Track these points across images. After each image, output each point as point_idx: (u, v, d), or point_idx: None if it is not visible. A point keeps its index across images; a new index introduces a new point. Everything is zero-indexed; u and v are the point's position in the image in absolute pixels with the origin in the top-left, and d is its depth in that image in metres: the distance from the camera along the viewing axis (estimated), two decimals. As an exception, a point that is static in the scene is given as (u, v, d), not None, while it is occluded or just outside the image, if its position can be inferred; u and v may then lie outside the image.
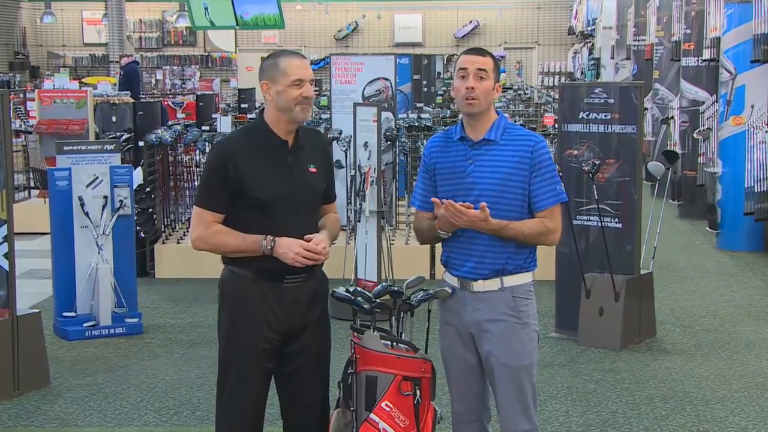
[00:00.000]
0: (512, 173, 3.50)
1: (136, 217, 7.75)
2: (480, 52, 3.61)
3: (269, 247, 3.48)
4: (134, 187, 7.53)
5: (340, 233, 4.11)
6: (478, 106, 3.54)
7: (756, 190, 9.80)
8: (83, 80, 19.92)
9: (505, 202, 3.50)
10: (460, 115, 3.70)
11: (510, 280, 3.55)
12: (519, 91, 18.09)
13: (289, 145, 3.58)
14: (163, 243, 8.90)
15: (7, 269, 5.53)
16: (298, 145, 3.60)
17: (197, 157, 9.16)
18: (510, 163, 3.51)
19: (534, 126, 11.10)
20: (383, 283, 4.04)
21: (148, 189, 8.71)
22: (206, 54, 25.91)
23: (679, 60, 12.46)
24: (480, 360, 3.63)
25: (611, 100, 6.64)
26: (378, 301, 3.78)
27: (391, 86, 8.77)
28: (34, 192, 11.85)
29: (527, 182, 3.52)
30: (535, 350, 3.61)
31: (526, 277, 3.59)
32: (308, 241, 3.50)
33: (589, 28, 22.07)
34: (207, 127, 9.87)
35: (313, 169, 3.61)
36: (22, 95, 14.17)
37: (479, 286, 3.56)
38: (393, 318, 3.77)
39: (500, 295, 3.55)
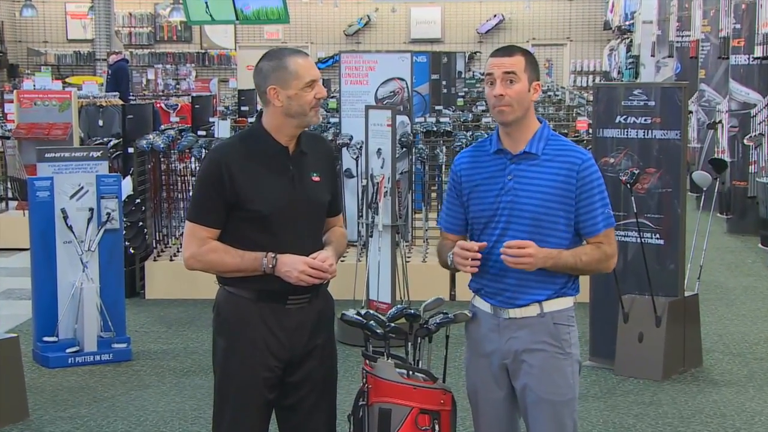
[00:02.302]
0: (554, 192, 3.47)
1: (124, 232, 7.78)
2: (508, 51, 3.53)
3: (270, 266, 3.48)
4: (123, 199, 7.56)
5: (350, 249, 4.13)
6: (511, 113, 3.49)
7: (814, 203, 9.76)
8: (67, 80, 20.03)
9: (545, 224, 3.48)
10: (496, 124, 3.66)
11: (550, 305, 3.52)
12: (549, 93, 18.09)
13: (290, 152, 3.59)
14: (155, 260, 8.93)
15: (-17, 289, 5.56)
16: (300, 152, 3.61)
17: (192, 165, 9.19)
18: (554, 181, 3.48)
19: (566, 131, 11.10)
20: (398, 306, 4.04)
21: (138, 200, 8.74)
22: (203, 51, 26.02)
23: (728, 58, 12.43)
24: (511, 394, 3.60)
25: (652, 103, 6.64)
26: (392, 325, 3.79)
27: (407, 87, 8.80)
28: (12, 203, 11.90)
29: (572, 204, 3.49)
30: (578, 383, 3.59)
31: (567, 302, 3.56)
32: (314, 258, 3.51)
33: (627, 23, 22.05)
34: (203, 132, 9.90)
35: (317, 178, 3.62)
36: (-1, 96, 14.26)
37: (516, 312, 3.53)
38: (409, 344, 3.77)
39: (540, 322, 3.52)
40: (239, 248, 3.52)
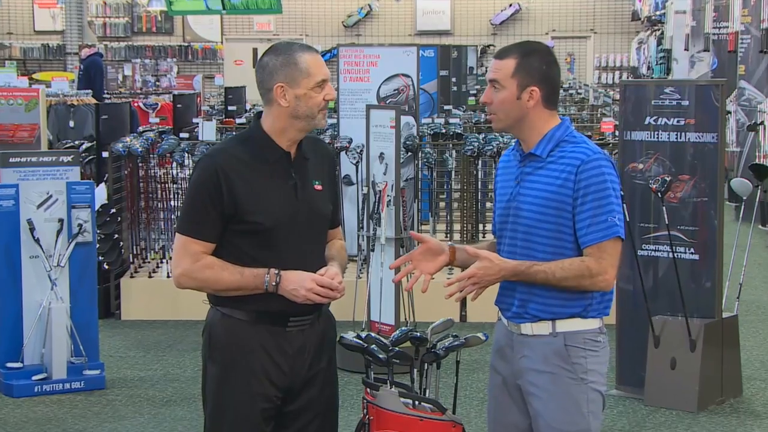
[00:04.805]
0: (551, 198, 3.50)
1: (98, 245, 7.78)
2: (501, 53, 3.61)
3: (274, 283, 3.50)
4: (96, 208, 7.57)
5: (349, 265, 4.15)
6: (497, 122, 3.61)
7: None
8: (34, 76, 20.07)
9: (543, 236, 3.51)
10: None
11: (564, 325, 3.55)
12: (570, 91, 18.12)
13: (292, 158, 3.62)
14: (132, 277, 8.93)
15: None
16: (301, 158, 3.63)
17: (174, 171, 9.21)
18: (552, 186, 3.51)
19: (589, 134, 11.11)
20: (403, 328, 4.05)
21: (113, 210, 8.76)
22: (185, 44, 26.07)
23: (770, 52, 12.46)
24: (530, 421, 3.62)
25: (685, 102, 6.64)
26: (396, 349, 3.79)
27: (413, 84, 8.81)
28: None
29: (570, 212, 3.50)
30: (594, 415, 3.58)
31: (587, 324, 3.57)
32: (321, 275, 3.53)
33: (658, 13, 22.10)
34: (186, 135, 9.92)
35: (319, 187, 3.66)
36: (-41, 95, 14.26)
37: (527, 329, 3.57)
38: (415, 370, 3.78)
39: (551, 342, 3.55)
40: (236, 264, 3.53)
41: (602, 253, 3.48)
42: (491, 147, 8.71)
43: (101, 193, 8.52)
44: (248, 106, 14.47)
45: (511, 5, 25.59)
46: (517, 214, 3.55)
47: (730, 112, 13.88)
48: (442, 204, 10.19)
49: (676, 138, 6.68)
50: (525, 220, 3.53)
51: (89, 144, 9.87)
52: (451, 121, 10.83)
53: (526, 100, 3.53)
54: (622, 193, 3.65)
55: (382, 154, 7.27)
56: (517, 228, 3.56)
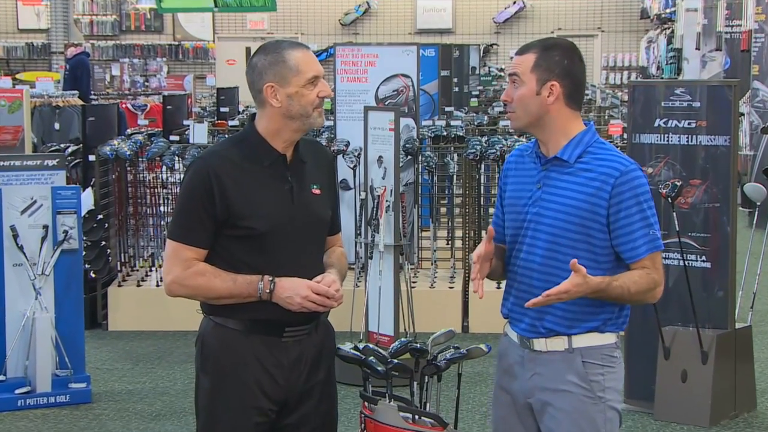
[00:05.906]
0: (580, 207, 3.47)
1: (84, 253, 7.78)
2: (521, 49, 3.61)
3: (268, 291, 3.50)
4: (83, 214, 7.57)
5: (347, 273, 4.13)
6: (515, 120, 3.59)
7: None
8: (18, 76, 20.08)
9: (567, 245, 3.48)
10: None
11: (581, 340, 3.52)
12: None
13: (288, 161, 3.62)
14: (120, 286, 8.93)
15: None
16: (298, 161, 3.64)
17: (164, 175, 9.21)
18: (582, 194, 3.48)
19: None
20: (402, 339, 4.05)
21: (100, 216, 8.76)
22: (176, 43, 26.09)
23: (785, 51, 12.47)
24: None
25: (697, 104, 6.65)
26: (395, 361, 3.79)
27: (413, 85, 8.82)
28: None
29: (603, 222, 3.47)
30: None
31: (604, 339, 3.55)
32: (317, 282, 3.53)
33: (668, 11, 22.13)
34: (176, 137, 9.92)
35: (317, 191, 3.66)
36: (-61, 96, 14.26)
37: (540, 344, 3.54)
38: (415, 383, 3.77)
39: (567, 358, 3.52)
40: (230, 271, 3.54)
41: (655, 264, 3.51)
42: (494, 150, 8.71)
43: (88, 199, 8.52)
44: (241, 108, 14.48)
45: (515, 2, 25.58)
46: (539, 221, 3.51)
47: (743, 114, 13.89)
48: (443, 210, 10.19)
49: (687, 141, 6.68)
50: (547, 227, 3.49)
51: (75, 147, 9.89)
52: (453, 123, 10.83)
53: (545, 96, 3.51)
54: None
55: (380, 157, 7.27)
56: (537, 235, 3.52)
